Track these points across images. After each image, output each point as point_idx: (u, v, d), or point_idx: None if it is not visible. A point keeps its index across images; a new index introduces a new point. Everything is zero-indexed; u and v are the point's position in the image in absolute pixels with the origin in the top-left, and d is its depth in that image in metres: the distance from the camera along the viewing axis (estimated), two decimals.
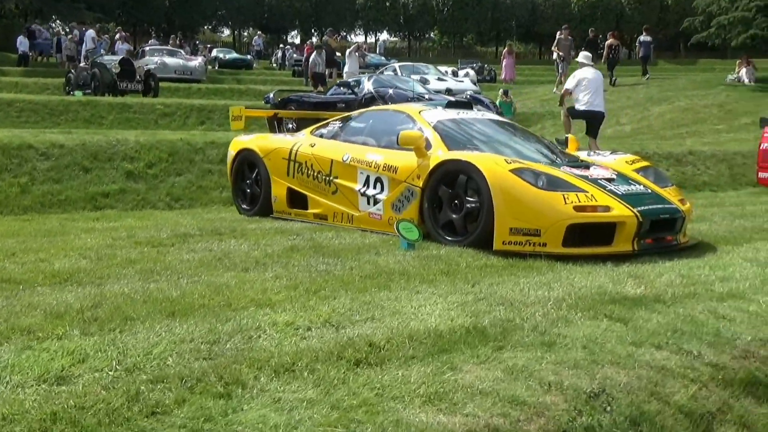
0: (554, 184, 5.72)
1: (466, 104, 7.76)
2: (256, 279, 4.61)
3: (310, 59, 21.62)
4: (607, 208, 5.65)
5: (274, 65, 41.16)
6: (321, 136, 7.78)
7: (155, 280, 4.51)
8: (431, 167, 6.21)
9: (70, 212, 8.33)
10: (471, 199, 5.90)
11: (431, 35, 64.95)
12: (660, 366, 3.13)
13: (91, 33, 28.81)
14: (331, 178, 7.21)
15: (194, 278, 4.57)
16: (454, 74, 27.17)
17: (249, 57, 39.52)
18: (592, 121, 11.77)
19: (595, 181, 5.98)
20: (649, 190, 6.16)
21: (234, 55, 39.71)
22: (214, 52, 39.94)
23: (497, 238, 5.67)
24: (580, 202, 5.61)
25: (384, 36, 66.05)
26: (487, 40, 60.43)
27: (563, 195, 5.60)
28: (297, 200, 7.64)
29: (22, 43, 32.00)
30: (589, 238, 5.68)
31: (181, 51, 28.49)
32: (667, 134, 17.44)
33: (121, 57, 19.87)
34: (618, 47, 25.17)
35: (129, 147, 9.63)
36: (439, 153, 6.42)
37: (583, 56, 12.09)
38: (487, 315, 3.73)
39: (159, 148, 9.76)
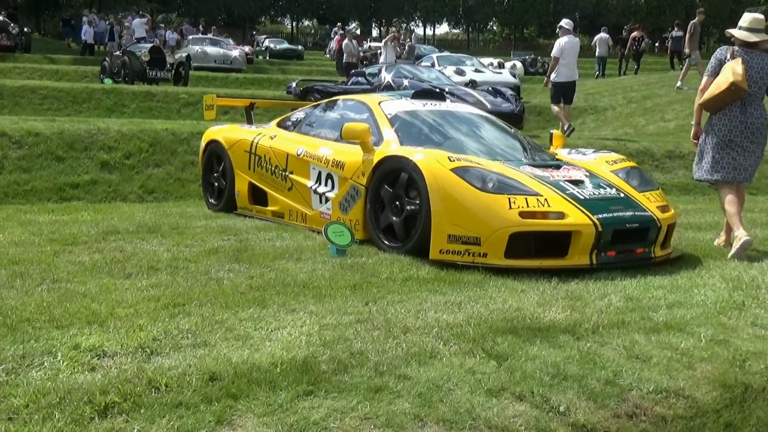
0: (504, 185, 5.01)
1: (437, 94, 7.07)
2: (127, 288, 4.08)
3: (343, 45, 21.09)
4: (560, 215, 4.91)
5: (327, 56, 40.83)
6: (285, 127, 7.23)
7: (10, 286, 4.02)
8: (374, 164, 5.58)
9: (33, 203, 7.99)
10: (412, 201, 5.25)
11: (493, 27, 63.74)
12: (501, 426, 2.46)
13: (137, 21, 29.02)
14: (286, 173, 6.65)
15: (56, 285, 4.08)
16: (500, 66, 26.25)
17: (300, 47, 39.31)
18: (570, 91, 12.49)
19: (555, 184, 5.23)
20: (621, 195, 5.37)
21: (285, 45, 39.58)
22: (266, 42, 39.92)
23: (434, 246, 5.00)
24: (528, 207, 4.88)
25: (444, 28, 65.16)
26: (550, 32, 58.80)
27: (509, 199, 4.88)
28: (259, 196, 7.12)
29: (87, 32, 32.20)
30: (543, 248, 4.96)
31: (224, 41, 28.32)
32: None
33: (150, 45, 19.70)
34: (641, 39, 25.74)
35: (109, 136, 9.26)
36: (392, 147, 5.79)
37: (565, 23, 12.34)
38: (339, 345, 3.11)
39: (140, 138, 9.37)
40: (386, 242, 5.42)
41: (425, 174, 5.06)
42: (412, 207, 5.22)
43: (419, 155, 5.24)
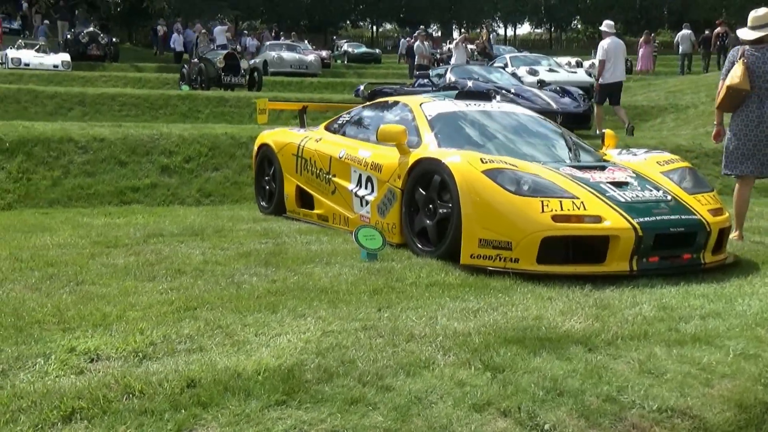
0: (539, 188, 4.81)
1: (483, 95, 6.89)
2: (147, 291, 4.11)
3: (415, 46, 21.04)
4: (597, 219, 4.67)
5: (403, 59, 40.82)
6: (332, 130, 7.21)
7: (36, 288, 4.12)
8: (409, 166, 5.47)
9: (95, 206, 8.25)
10: (445, 204, 5.11)
11: (577, 26, 62.34)
12: None
13: (218, 29, 29.78)
14: (330, 176, 6.62)
15: (79, 287, 4.15)
16: (578, 65, 25.61)
17: (377, 51, 39.48)
18: (616, 91, 12.60)
19: (595, 186, 4.99)
20: (668, 197, 5.07)
21: (363, 49, 39.83)
22: (345, 47, 40.28)
23: (464, 251, 4.85)
24: (562, 210, 4.66)
25: (526, 28, 64.18)
26: (636, 29, 57.05)
27: (542, 202, 4.68)
28: (306, 199, 7.12)
29: (176, 41, 32.76)
30: (580, 254, 4.73)
31: (300, 45, 28.72)
32: None
33: (225, 51, 20.15)
34: (726, 34, 25.48)
35: (170, 141, 9.48)
36: (431, 149, 5.67)
37: (606, 25, 12.64)
38: (334, 352, 3.02)
39: (200, 143, 9.54)
40: (420, 246, 5.30)
41: (456, 176, 4.92)
42: (445, 210, 5.08)
43: (451, 157, 5.10)
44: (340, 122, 7.20)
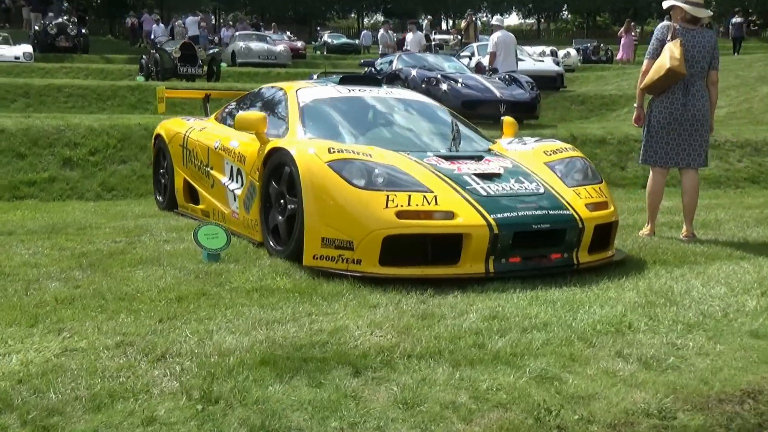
0: (390, 180, 4.30)
1: (372, 80, 6.38)
2: None
3: (379, 36, 20.56)
4: (449, 215, 4.16)
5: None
6: (219, 119, 6.70)
7: None
8: (264, 157, 4.97)
9: None
10: (293, 198, 4.60)
11: (567, 16, 61.75)
12: None
13: (190, 20, 29.18)
14: (208, 168, 6.12)
15: None
16: (553, 54, 25.10)
17: (357, 42, 38.87)
18: None
19: (457, 178, 4.47)
20: (541, 190, 4.56)
21: (343, 39, 39.24)
22: (325, 37, 39.71)
23: (307, 251, 4.35)
24: (410, 206, 4.15)
25: (514, 19, 63.47)
26: (625, 19, 56.50)
27: (387, 196, 4.17)
28: (193, 193, 6.62)
29: (157, 32, 32.12)
30: (438, 254, 4.22)
31: (270, 36, 28.15)
32: (767, 119, 14.78)
33: (182, 42, 19.58)
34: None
35: (77, 132, 8.96)
36: (297, 138, 5.16)
37: (497, 20, 14.36)
38: (41, 379, 2.52)
39: (110, 134, 9.02)
40: (273, 245, 4.81)
41: (300, 168, 4.42)
42: (293, 206, 4.58)
43: (298, 147, 4.60)
44: (227, 110, 6.70)
